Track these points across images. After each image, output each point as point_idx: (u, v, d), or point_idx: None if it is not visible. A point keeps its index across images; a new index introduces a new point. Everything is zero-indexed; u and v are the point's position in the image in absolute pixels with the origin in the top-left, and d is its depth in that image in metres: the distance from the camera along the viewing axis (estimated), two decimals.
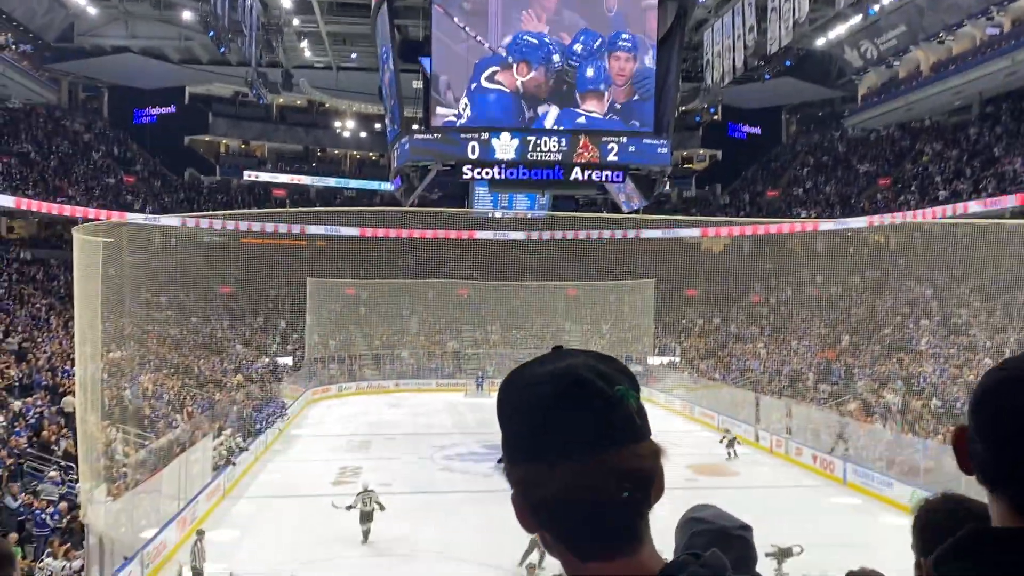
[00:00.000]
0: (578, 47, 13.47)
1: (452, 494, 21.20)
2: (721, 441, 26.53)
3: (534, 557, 13.94)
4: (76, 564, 14.15)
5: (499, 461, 1.03)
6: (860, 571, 2.80)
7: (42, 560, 13.62)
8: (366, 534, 17.15)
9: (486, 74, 13.26)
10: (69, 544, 14.62)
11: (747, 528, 2.05)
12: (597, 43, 13.51)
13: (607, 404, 0.96)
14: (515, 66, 13.28)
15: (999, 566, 0.93)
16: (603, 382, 0.97)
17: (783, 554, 10.40)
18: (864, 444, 24.17)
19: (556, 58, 13.39)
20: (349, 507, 17.16)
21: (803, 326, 39.03)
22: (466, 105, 13.27)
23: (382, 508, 17.26)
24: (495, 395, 1.06)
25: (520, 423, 0.98)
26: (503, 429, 1.01)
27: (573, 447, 0.94)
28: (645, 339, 44.22)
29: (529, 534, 1.01)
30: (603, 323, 46.10)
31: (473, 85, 13.24)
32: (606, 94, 13.64)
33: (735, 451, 26.04)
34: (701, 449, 26.92)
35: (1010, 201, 31.96)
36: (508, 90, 13.33)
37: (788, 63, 41.28)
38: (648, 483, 0.97)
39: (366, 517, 17.08)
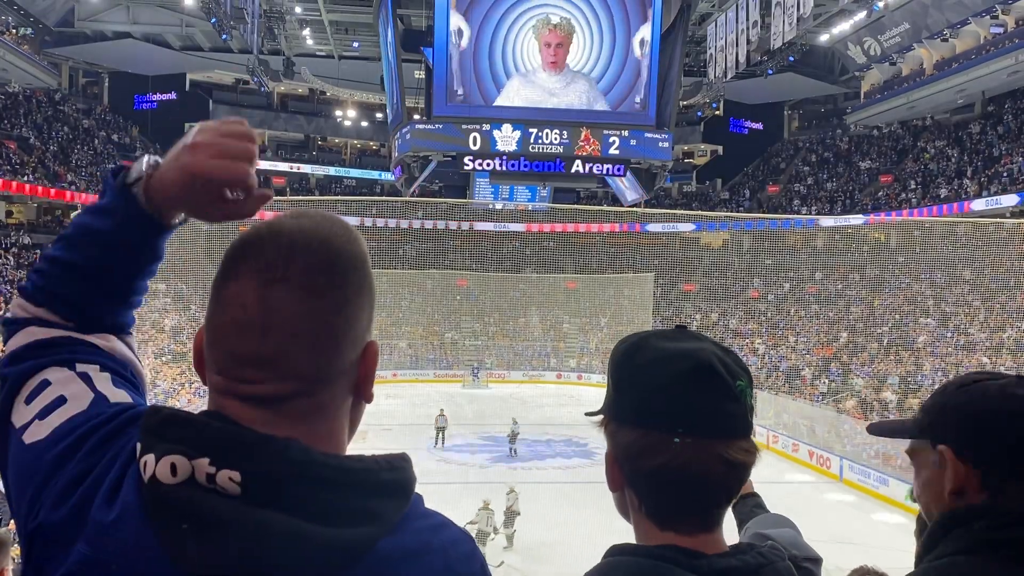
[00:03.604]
0: None
1: (448, 485, 21.19)
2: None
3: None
4: None
5: (594, 413, 1.07)
6: (861, 568, 2.77)
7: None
8: None
9: None
10: None
11: (816, 561, 1.48)
12: None
13: (729, 396, 1.00)
14: None
15: None
16: (727, 374, 1.01)
17: None
18: (860, 441, 24.19)
19: None
20: None
21: (801, 323, 39.02)
22: None
23: None
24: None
25: (641, 391, 1.01)
26: (616, 390, 1.04)
27: (691, 427, 0.98)
28: None
29: (612, 492, 1.05)
30: (601, 316, 46.10)
31: None
32: None
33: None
34: None
35: (1011, 200, 31.93)
36: None
37: (791, 59, 41.14)
38: (745, 476, 1.02)
39: None
